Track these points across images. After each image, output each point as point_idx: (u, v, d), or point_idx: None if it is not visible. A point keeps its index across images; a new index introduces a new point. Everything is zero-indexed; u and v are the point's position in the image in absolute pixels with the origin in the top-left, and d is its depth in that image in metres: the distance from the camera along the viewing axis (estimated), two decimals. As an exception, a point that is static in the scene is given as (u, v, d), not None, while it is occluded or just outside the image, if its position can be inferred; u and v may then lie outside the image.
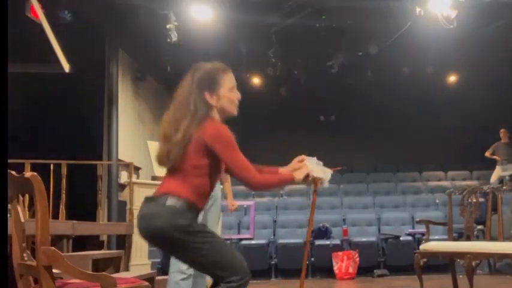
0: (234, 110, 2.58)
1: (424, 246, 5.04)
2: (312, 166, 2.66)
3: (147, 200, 2.46)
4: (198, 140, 2.40)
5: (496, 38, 9.71)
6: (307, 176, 2.65)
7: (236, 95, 2.59)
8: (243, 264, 2.43)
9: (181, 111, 2.47)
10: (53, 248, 2.16)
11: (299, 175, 2.63)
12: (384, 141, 12.52)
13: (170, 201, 2.35)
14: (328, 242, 8.72)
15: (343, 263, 8.38)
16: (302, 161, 2.70)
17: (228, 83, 2.55)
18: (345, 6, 8.72)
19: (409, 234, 8.92)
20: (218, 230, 4.08)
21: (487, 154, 10.76)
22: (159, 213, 2.34)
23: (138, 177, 9.52)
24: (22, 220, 2.34)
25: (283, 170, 2.69)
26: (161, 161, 2.49)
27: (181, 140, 2.39)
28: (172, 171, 2.45)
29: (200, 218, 3.77)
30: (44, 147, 8.36)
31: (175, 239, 2.33)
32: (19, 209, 2.35)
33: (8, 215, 2.41)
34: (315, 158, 2.72)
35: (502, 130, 10.63)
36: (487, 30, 9.27)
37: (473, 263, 4.69)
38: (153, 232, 2.35)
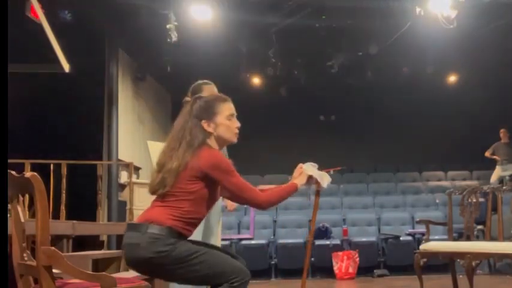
0: (232, 137, 2.60)
1: (424, 246, 5.04)
2: (310, 170, 2.73)
3: (130, 227, 2.43)
4: (193, 167, 2.40)
5: (496, 38, 9.71)
6: (310, 178, 2.73)
7: (235, 124, 2.60)
8: (241, 265, 2.45)
9: (177, 139, 2.48)
10: (53, 248, 2.15)
11: (301, 181, 2.71)
12: (384, 141, 12.51)
13: (151, 229, 2.34)
14: (328, 242, 8.72)
15: (343, 263, 8.38)
16: (300, 168, 2.77)
17: (226, 111, 2.58)
18: (345, 6, 8.72)
19: (409, 234, 8.92)
20: (219, 230, 4.08)
21: (487, 154, 10.76)
22: (140, 243, 2.32)
23: (138, 177, 9.53)
24: (22, 220, 2.34)
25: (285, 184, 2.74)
26: (155, 190, 2.46)
27: (176, 168, 2.40)
28: (163, 196, 2.43)
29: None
30: (44, 147, 8.36)
31: (161, 265, 2.33)
32: (19, 209, 2.35)
33: (8, 215, 2.41)
34: (310, 163, 2.77)
35: (502, 130, 10.63)
36: (487, 30, 9.27)
37: (473, 263, 4.69)
38: (138, 262, 2.35)
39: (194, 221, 2.46)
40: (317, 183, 2.80)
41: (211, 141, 2.54)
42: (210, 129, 2.52)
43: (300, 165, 2.78)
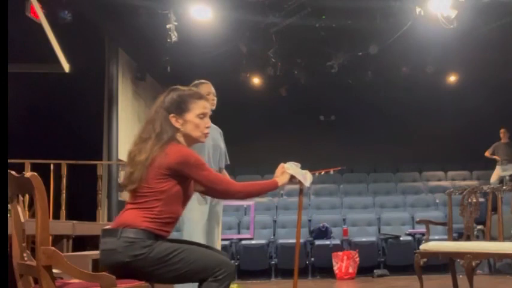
0: (200, 137, 2.52)
1: (424, 246, 5.04)
2: (292, 169, 2.71)
3: (104, 233, 2.36)
4: (161, 164, 2.35)
5: (496, 38, 9.71)
6: (292, 177, 2.70)
7: (205, 123, 2.52)
8: (223, 257, 2.42)
9: (147, 131, 2.43)
10: (52, 247, 2.15)
11: (282, 180, 2.66)
12: (384, 141, 12.51)
13: (126, 233, 2.29)
14: (328, 242, 8.71)
15: (343, 263, 8.38)
16: (282, 168, 2.73)
17: (198, 109, 2.50)
18: (345, 6, 8.71)
19: (409, 234, 8.91)
20: (219, 230, 4.08)
21: (487, 154, 10.76)
22: (116, 248, 2.28)
23: (138, 177, 9.51)
24: (22, 220, 2.34)
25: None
26: (124, 185, 2.42)
27: (144, 161, 2.34)
28: (135, 197, 2.39)
29: (206, 213, 3.79)
30: (44, 147, 8.36)
31: (140, 268, 2.29)
32: (19, 209, 2.35)
33: (8, 215, 2.41)
34: (293, 162, 2.76)
35: (502, 130, 10.63)
36: (487, 30, 9.27)
37: (473, 263, 4.69)
38: (117, 267, 2.29)
39: (169, 221, 2.40)
40: (300, 182, 2.77)
41: (179, 137, 2.47)
42: (177, 125, 2.45)
43: (282, 164, 2.74)
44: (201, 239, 3.70)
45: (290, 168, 2.71)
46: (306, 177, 2.77)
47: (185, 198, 2.46)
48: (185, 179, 2.41)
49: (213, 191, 2.52)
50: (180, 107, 2.47)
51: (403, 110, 12.44)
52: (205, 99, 2.56)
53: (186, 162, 2.36)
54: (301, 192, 3.04)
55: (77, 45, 7.79)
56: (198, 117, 2.49)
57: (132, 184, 2.37)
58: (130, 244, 2.27)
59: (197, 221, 3.72)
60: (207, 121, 2.54)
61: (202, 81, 4.03)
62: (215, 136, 4.03)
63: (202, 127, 2.51)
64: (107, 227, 2.39)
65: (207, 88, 3.97)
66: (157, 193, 2.35)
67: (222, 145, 4.08)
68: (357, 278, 8.38)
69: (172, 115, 2.45)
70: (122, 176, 9.24)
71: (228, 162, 4.15)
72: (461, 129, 12.23)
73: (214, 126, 4.11)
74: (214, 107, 4.01)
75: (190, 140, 2.52)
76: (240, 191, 2.50)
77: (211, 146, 3.93)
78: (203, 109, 2.52)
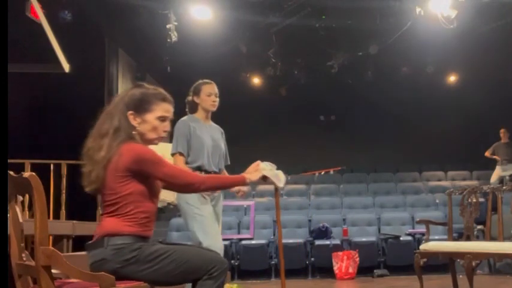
0: (155, 139, 2.44)
1: (424, 246, 5.04)
2: (267, 169, 2.69)
3: (89, 247, 2.33)
4: (118, 166, 2.29)
5: (496, 38, 9.72)
6: (265, 177, 2.67)
7: (164, 127, 2.44)
8: (215, 255, 2.41)
9: (106, 125, 2.38)
10: (51, 247, 2.15)
11: (252, 177, 2.61)
12: (384, 141, 12.52)
13: (112, 241, 2.26)
14: (328, 242, 8.70)
15: (343, 263, 8.37)
16: (257, 166, 2.69)
17: (159, 111, 2.42)
18: (345, 6, 8.72)
19: (409, 234, 8.91)
20: (219, 230, 4.07)
21: (487, 154, 10.76)
22: (105, 258, 2.25)
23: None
24: (20, 220, 2.34)
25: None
26: (85, 186, 2.37)
27: (102, 160, 2.29)
28: (106, 207, 2.36)
29: (211, 209, 3.80)
30: (44, 147, 8.36)
31: (132, 273, 2.27)
32: (17, 209, 2.35)
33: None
34: (268, 162, 2.74)
35: (502, 130, 10.64)
36: (487, 30, 9.28)
37: (473, 263, 4.68)
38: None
39: (148, 220, 2.37)
40: (273, 183, 2.76)
41: (136, 136, 2.39)
42: (134, 123, 2.38)
43: (258, 162, 2.70)
44: (217, 231, 3.77)
45: (265, 169, 2.69)
46: (280, 178, 2.75)
47: (154, 193, 2.41)
48: (146, 176, 2.34)
49: (175, 186, 2.45)
50: (140, 106, 2.39)
51: (403, 110, 12.45)
52: (169, 102, 2.48)
53: (142, 159, 2.30)
54: (276, 192, 3.04)
55: (77, 45, 7.79)
56: (158, 119, 2.42)
57: (91, 184, 2.34)
58: (118, 250, 2.25)
59: (207, 216, 3.75)
60: (166, 125, 2.45)
61: (206, 81, 4.01)
62: (216, 136, 4.01)
63: (159, 130, 2.43)
64: (90, 242, 2.35)
65: (210, 88, 3.94)
66: (125, 196, 2.31)
67: (223, 145, 4.06)
68: (357, 278, 8.38)
69: (130, 112, 2.38)
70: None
71: (228, 163, 4.13)
72: (461, 129, 12.24)
73: (215, 125, 4.10)
74: (215, 108, 3.99)
75: (145, 141, 2.43)
76: (203, 183, 2.45)
77: (211, 147, 3.90)
78: (164, 112, 2.44)
